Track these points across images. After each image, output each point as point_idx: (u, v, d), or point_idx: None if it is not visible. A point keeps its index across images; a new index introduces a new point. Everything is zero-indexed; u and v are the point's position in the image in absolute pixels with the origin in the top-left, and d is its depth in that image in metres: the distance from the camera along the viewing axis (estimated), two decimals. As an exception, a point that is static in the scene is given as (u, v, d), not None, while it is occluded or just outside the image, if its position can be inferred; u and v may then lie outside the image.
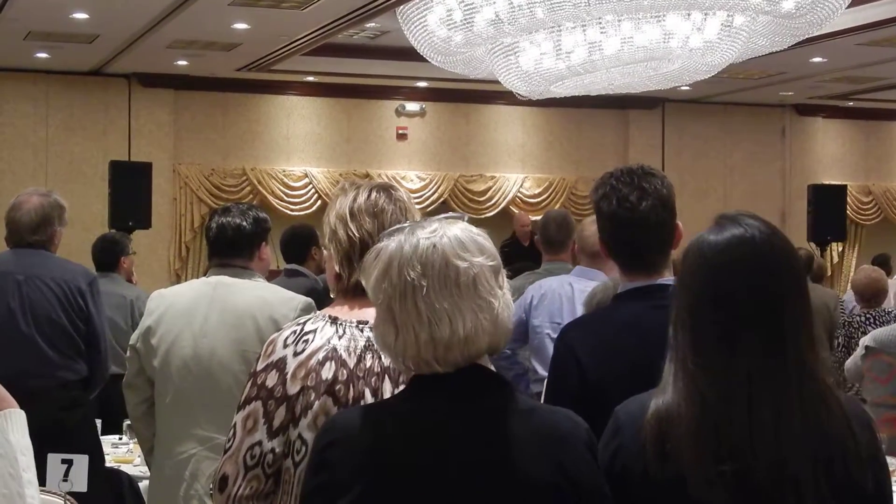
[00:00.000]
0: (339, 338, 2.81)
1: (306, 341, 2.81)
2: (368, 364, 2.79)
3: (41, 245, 5.92)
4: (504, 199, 17.03)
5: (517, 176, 17.21)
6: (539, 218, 14.35)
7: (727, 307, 2.33)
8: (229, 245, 4.66)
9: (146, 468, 5.11)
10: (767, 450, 2.26)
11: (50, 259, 5.96)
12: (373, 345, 2.79)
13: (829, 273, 16.52)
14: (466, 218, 2.46)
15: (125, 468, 6.04)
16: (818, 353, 2.37)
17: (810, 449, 2.27)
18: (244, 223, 4.67)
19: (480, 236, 2.38)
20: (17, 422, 2.32)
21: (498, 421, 2.31)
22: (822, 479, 2.26)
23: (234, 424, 2.82)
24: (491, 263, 2.34)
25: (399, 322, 2.32)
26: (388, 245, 2.37)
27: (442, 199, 16.66)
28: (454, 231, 2.36)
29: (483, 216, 16.16)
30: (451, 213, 2.46)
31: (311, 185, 16.17)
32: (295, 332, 2.84)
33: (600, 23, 9.03)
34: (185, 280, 13.34)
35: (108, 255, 8.02)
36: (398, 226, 2.43)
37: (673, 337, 2.40)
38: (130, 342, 4.64)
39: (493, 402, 2.33)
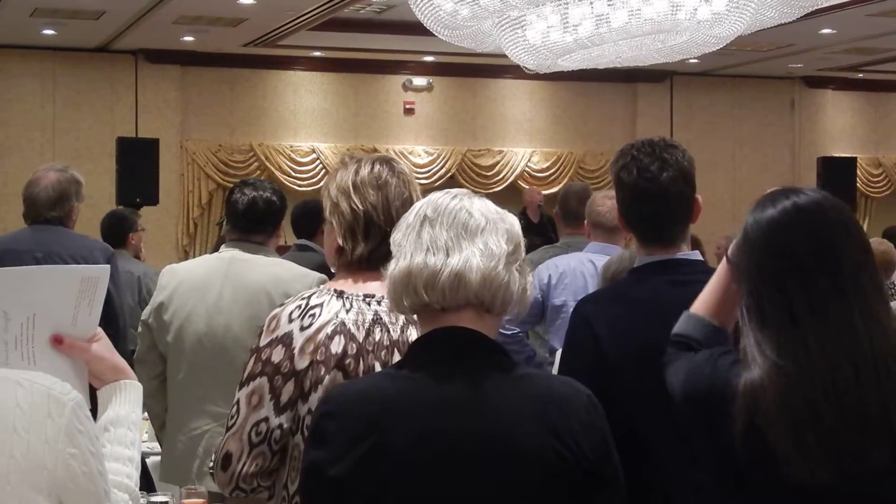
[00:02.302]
0: (347, 311, 2.79)
1: (313, 315, 2.79)
2: (377, 338, 2.77)
3: (59, 221, 5.89)
4: (512, 174, 16.99)
5: (525, 150, 17.16)
6: (544, 193, 14.24)
7: (794, 272, 2.36)
8: (258, 219, 4.64)
9: (155, 444, 5.10)
10: (852, 405, 2.29)
11: (68, 236, 5.93)
12: (381, 318, 2.77)
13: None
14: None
15: (135, 444, 6.03)
16: (887, 303, 2.39)
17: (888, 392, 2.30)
18: (275, 198, 4.68)
19: (509, 214, 2.40)
20: (129, 394, 2.30)
21: (494, 388, 2.29)
22: None
23: (238, 401, 2.80)
24: (506, 226, 2.35)
25: (400, 250, 2.34)
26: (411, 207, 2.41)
27: (450, 174, 16.63)
28: (476, 198, 2.38)
29: (491, 191, 16.10)
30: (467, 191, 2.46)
31: (318, 161, 16.15)
32: (300, 306, 2.82)
33: (608, -5, 8.99)
34: (193, 256, 13.34)
35: (117, 232, 8.00)
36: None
37: (746, 314, 2.41)
38: (142, 317, 4.63)
39: (490, 370, 2.31)
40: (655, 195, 3.30)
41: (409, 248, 2.32)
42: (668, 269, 3.29)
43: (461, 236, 2.29)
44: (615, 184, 3.43)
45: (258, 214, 4.63)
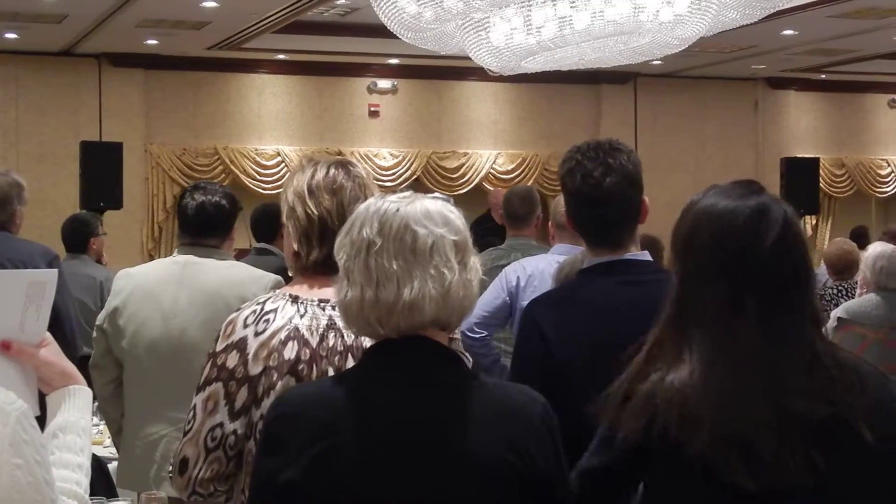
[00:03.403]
0: (301, 317, 2.79)
1: (267, 321, 2.78)
2: (331, 343, 2.77)
3: (1, 226, 5.84)
4: (477, 176, 17.00)
5: (490, 152, 17.17)
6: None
7: (735, 270, 2.32)
8: (208, 223, 4.63)
9: (116, 450, 5.08)
10: (776, 409, 2.25)
11: (9, 240, 5.87)
12: (335, 323, 2.76)
13: (803, 246, 16.53)
14: (451, 202, 2.43)
15: (95, 449, 6.01)
16: (820, 311, 2.39)
17: (822, 404, 2.26)
18: (224, 202, 4.65)
19: (452, 213, 2.35)
20: (78, 399, 2.29)
21: (449, 396, 2.29)
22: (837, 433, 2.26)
23: (194, 406, 2.80)
24: (453, 237, 2.31)
25: (350, 279, 2.31)
26: (359, 208, 2.38)
27: (415, 177, 16.62)
28: (424, 202, 2.34)
29: (456, 193, 16.09)
30: (438, 195, 2.43)
31: (283, 164, 16.10)
32: (255, 311, 2.82)
33: (570, -3, 9.01)
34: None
35: (78, 236, 7.97)
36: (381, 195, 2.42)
37: (675, 306, 2.37)
38: (97, 322, 4.61)
39: (446, 378, 2.31)
40: (600, 200, 3.31)
41: (358, 276, 2.30)
42: (615, 269, 3.31)
43: (410, 262, 2.27)
44: (562, 188, 3.44)
45: (207, 219, 4.62)
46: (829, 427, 2.26)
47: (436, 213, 2.32)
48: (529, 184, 15.69)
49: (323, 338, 2.77)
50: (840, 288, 8.48)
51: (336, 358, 2.75)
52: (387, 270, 2.26)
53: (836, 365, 2.31)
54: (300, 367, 2.74)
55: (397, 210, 2.31)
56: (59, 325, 5.81)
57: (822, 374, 2.28)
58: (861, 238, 11.54)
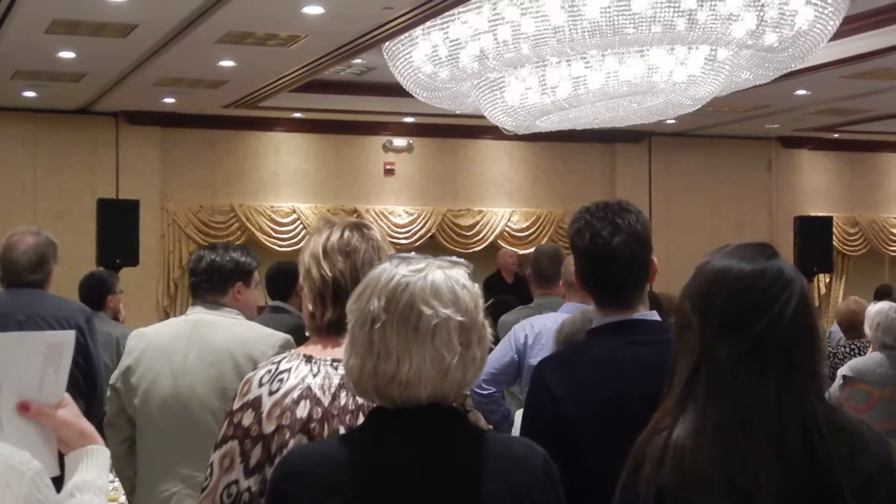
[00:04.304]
0: (314, 376, 2.82)
1: (281, 380, 2.82)
2: (343, 402, 2.79)
3: (38, 284, 5.93)
4: (492, 234, 17.05)
5: (504, 210, 17.24)
6: (528, 252, 14.27)
7: (745, 334, 2.33)
8: (203, 278, 4.67)
9: (130, 507, 5.10)
10: (775, 476, 2.26)
11: (48, 298, 5.97)
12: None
13: (817, 304, 16.54)
14: (472, 268, 2.46)
15: (110, 507, 6.03)
16: (824, 376, 2.39)
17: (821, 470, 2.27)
18: (219, 259, 4.69)
19: (464, 289, 2.38)
20: (95, 459, 2.32)
21: (453, 451, 2.33)
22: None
23: (212, 463, 2.83)
24: (460, 319, 2.34)
25: (353, 347, 2.36)
26: (373, 271, 2.41)
27: (430, 234, 16.68)
28: (435, 275, 2.36)
29: (471, 250, 16.17)
30: (457, 259, 2.46)
31: (298, 221, 16.18)
32: (270, 371, 2.86)
33: (584, 58, 9.10)
34: (175, 317, 13.32)
35: (95, 294, 8.01)
36: (399, 254, 2.45)
37: (683, 365, 2.39)
38: (111, 381, 4.64)
39: (449, 434, 2.35)
40: (608, 259, 3.33)
41: (360, 347, 2.35)
42: (624, 329, 3.33)
43: (411, 340, 2.31)
44: (571, 247, 3.47)
45: (201, 275, 4.67)
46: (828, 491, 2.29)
47: (446, 290, 2.35)
48: (544, 241, 15.76)
49: (335, 397, 2.80)
50: (852, 346, 8.49)
51: (347, 417, 2.78)
52: (388, 345, 2.31)
53: (837, 429, 2.33)
54: (312, 425, 2.76)
55: (406, 285, 2.34)
56: (92, 379, 5.87)
57: (818, 439, 2.31)
58: (886, 297, 11.49)
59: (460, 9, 8.89)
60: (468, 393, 2.90)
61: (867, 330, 6.86)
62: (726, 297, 2.37)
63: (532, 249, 16.61)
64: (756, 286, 2.36)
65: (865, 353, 7.28)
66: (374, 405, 2.40)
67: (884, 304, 6.92)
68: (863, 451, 2.33)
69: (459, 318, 2.34)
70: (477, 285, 2.43)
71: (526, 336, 5.79)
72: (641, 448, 2.38)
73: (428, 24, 9.24)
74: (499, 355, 5.79)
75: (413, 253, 2.48)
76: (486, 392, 5.78)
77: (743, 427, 2.30)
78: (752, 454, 2.28)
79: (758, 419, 2.30)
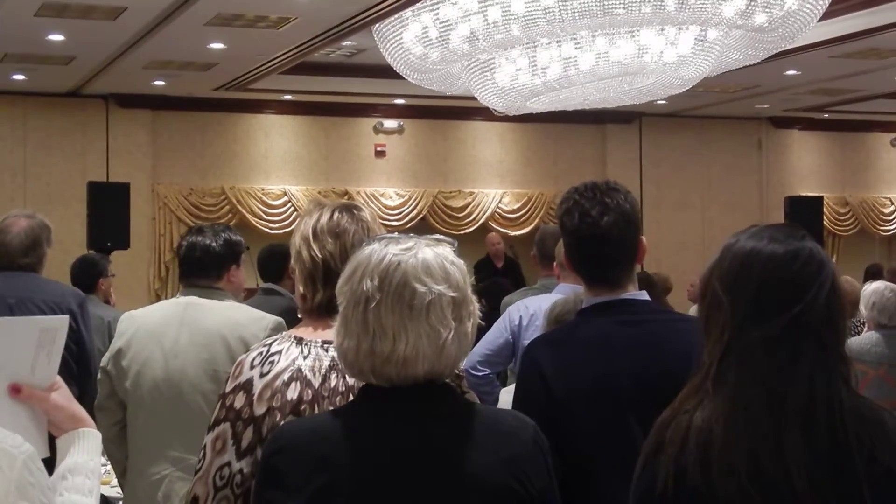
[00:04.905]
0: (304, 358, 2.83)
1: (272, 362, 2.83)
2: (333, 383, 2.80)
3: (31, 268, 5.91)
4: (483, 215, 17.06)
5: (496, 191, 17.24)
6: (519, 233, 14.28)
7: (781, 315, 2.31)
8: (197, 265, 4.67)
9: (121, 490, 5.11)
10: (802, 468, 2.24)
11: (40, 281, 5.95)
12: (337, 364, 2.80)
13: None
14: (456, 245, 2.48)
15: (103, 489, 6.02)
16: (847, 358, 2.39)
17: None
18: (213, 244, 4.68)
19: (453, 265, 2.40)
20: (87, 442, 2.32)
21: (445, 423, 2.36)
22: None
23: (205, 445, 2.84)
24: (452, 294, 2.36)
25: (347, 328, 2.38)
26: (361, 252, 2.42)
27: (421, 216, 16.68)
28: (426, 253, 2.39)
29: (462, 232, 16.18)
30: (441, 237, 2.47)
31: (289, 204, 16.18)
32: (261, 353, 2.86)
33: (575, 38, 9.09)
34: (166, 299, 13.32)
35: (86, 277, 8.00)
36: (384, 235, 2.47)
37: (712, 344, 2.35)
38: (101, 364, 4.64)
39: (439, 406, 2.38)
40: (597, 239, 3.33)
41: (355, 327, 2.36)
42: (613, 309, 3.33)
43: (406, 317, 2.33)
44: (560, 227, 3.48)
45: (195, 260, 4.66)
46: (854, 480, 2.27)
47: (437, 267, 2.37)
48: (535, 223, 15.79)
49: (325, 378, 2.81)
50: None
51: (338, 398, 2.79)
52: (383, 324, 2.33)
53: (858, 418, 2.32)
54: (302, 407, 2.77)
55: (398, 264, 2.36)
56: (85, 364, 5.87)
57: (840, 427, 2.29)
58: (876, 276, 11.50)
59: (450, -10, 8.88)
60: (463, 374, 2.91)
61: (862, 309, 6.86)
62: (760, 278, 2.35)
63: (524, 231, 16.71)
64: (790, 268, 2.34)
65: (859, 333, 7.29)
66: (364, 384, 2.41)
67: (879, 284, 6.92)
68: (884, 443, 2.31)
69: (452, 294, 2.36)
70: (463, 262, 2.45)
71: (521, 317, 5.80)
72: (663, 428, 2.36)
73: (418, 5, 9.22)
74: (493, 337, 5.80)
75: (397, 233, 2.49)
76: (480, 374, 5.79)
77: (775, 409, 2.28)
78: (781, 438, 2.26)
79: (791, 401, 2.28)
